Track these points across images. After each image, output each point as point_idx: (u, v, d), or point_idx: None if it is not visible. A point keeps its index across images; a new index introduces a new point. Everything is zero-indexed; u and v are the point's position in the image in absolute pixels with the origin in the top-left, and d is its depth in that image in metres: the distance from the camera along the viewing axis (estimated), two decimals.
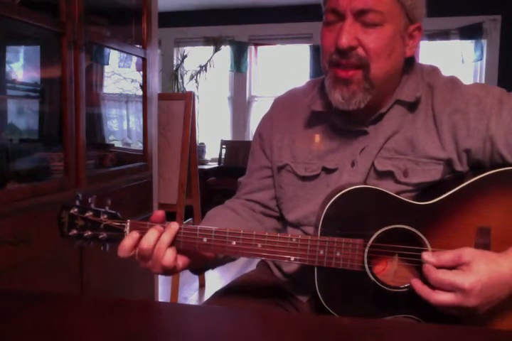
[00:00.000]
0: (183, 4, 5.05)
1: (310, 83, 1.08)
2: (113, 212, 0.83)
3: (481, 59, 4.65)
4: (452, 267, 0.77)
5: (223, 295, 0.99)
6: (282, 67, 5.33)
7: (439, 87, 0.93)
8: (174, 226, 0.81)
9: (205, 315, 0.74)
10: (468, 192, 0.85)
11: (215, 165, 5.20)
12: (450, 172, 0.92)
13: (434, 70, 0.97)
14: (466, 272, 0.75)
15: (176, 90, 5.05)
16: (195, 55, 5.33)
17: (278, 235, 0.82)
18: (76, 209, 0.83)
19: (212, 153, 5.34)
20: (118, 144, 2.64)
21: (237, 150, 5.08)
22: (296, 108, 1.04)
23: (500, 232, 0.83)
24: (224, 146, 5.22)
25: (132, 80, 2.48)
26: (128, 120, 2.69)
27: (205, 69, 5.06)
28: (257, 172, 1.08)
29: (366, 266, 0.82)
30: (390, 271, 0.86)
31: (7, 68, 1.91)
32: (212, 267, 0.96)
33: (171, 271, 0.83)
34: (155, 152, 2.34)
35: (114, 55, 2.41)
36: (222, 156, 5.19)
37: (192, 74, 5.11)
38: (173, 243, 0.81)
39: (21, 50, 2.05)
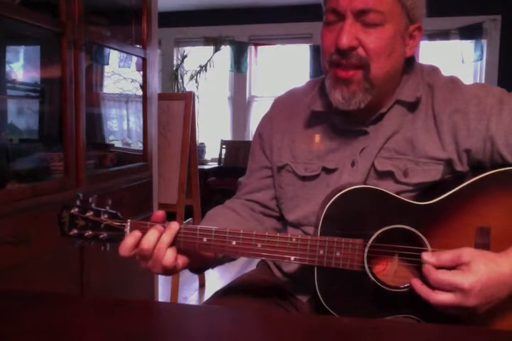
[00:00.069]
0: (183, 4, 5.05)
1: (310, 83, 1.08)
2: (113, 211, 0.83)
3: (481, 59, 4.65)
4: (452, 267, 0.77)
5: (223, 295, 0.99)
6: (282, 67, 5.33)
7: (439, 87, 0.93)
8: (174, 226, 0.81)
9: (205, 315, 0.74)
10: (468, 192, 0.85)
11: (215, 165, 5.20)
12: (450, 172, 0.92)
13: (434, 70, 0.97)
14: (466, 272, 0.75)
15: (176, 90, 5.05)
16: (195, 55, 5.33)
17: (278, 235, 0.82)
18: (77, 209, 0.83)
19: (212, 153, 5.34)
20: (118, 144, 2.64)
21: (237, 150, 5.08)
22: (296, 108, 1.04)
23: (500, 232, 0.83)
24: (224, 146, 5.22)
25: (132, 80, 2.48)
26: (128, 120, 2.69)
27: (205, 69, 5.06)
28: (257, 172, 1.08)
29: (366, 266, 0.82)
30: (390, 271, 0.86)
31: (7, 68, 1.91)
32: (212, 267, 0.96)
33: (171, 271, 0.83)
34: (155, 152, 2.34)
35: (114, 55, 2.41)
36: (222, 156, 5.19)
37: (192, 74, 5.11)
38: (174, 243, 0.81)
39: (21, 50, 2.05)
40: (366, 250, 0.82)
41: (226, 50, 5.18)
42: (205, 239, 0.82)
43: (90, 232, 0.83)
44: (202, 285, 3.01)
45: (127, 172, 2.05)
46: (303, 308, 0.98)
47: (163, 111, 2.67)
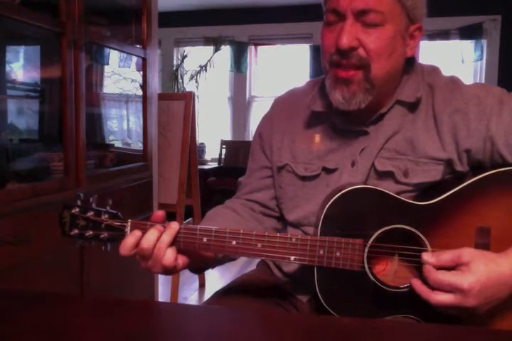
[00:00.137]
0: (183, 4, 5.05)
1: (310, 83, 1.08)
2: (114, 211, 0.84)
3: (481, 59, 4.65)
4: (452, 267, 0.77)
5: (223, 295, 0.99)
6: (282, 67, 5.33)
7: (439, 87, 0.93)
8: (174, 226, 0.81)
9: (205, 315, 0.74)
10: (468, 192, 0.85)
11: (215, 165, 5.20)
12: (450, 172, 0.92)
13: (434, 70, 0.97)
14: (465, 272, 0.75)
15: (176, 90, 5.05)
16: (195, 55, 5.33)
17: (278, 235, 0.82)
18: (77, 209, 0.84)
19: (212, 153, 5.34)
20: (118, 144, 2.64)
21: (237, 150, 5.08)
22: (296, 108, 1.04)
23: (500, 232, 0.83)
24: (224, 146, 5.22)
25: (132, 80, 2.48)
26: (128, 120, 2.69)
27: (205, 69, 5.06)
28: (257, 172, 1.08)
29: (366, 266, 0.82)
30: (390, 271, 0.86)
31: (7, 68, 1.91)
32: (212, 267, 0.96)
33: (171, 271, 0.83)
34: (155, 152, 2.34)
35: (114, 55, 2.41)
36: (222, 156, 5.19)
37: (192, 74, 5.11)
38: (174, 243, 0.81)
39: (21, 50, 2.05)
40: (366, 250, 0.82)
41: (226, 50, 5.18)
42: (205, 239, 0.82)
43: (91, 232, 0.83)
44: (202, 285, 3.01)
45: (127, 172, 2.05)
46: (303, 308, 0.98)
47: (163, 111, 2.67)
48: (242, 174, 1.14)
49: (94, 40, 1.83)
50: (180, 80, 5.11)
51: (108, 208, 0.84)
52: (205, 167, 5.03)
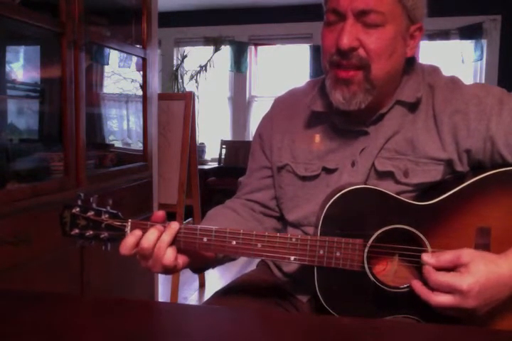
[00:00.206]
0: (183, 4, 5.05)
1: (310, 83, 1.08)
2: (114, 211, 0.84)
3: (481, 59, 4.65)
4: (452, 268, 0.77)
5: (223, 295, 0.99)
6: (282, 67, 5.33)
7: (439, 87, 0.93)
8: (174, 225, 0.81)
9: (205, 315, 0.74)
10: (468, 193, 0.85)
11: (215, 165, 5.20)
12: (450, 172, 0.92)
13: (434, 70, 0.97)
14: (464, 274, 0.75)
15: (176, 90, 5.05)
16: (195, 55, 5.33)
17: (278, 235, 0.82)
18: (78, 209, 0.84)
19: (212, 153, 5.34)
20: (118, 144, 2.64)
21: (237, 150, 5.08)
22: (296, 108, 1.04)
23: (501, 232, 0.83)
24: (224, 146, 5.22)
25: (132, 80, 2.48)
26: (128, 120, 2.69)
27: (205, 69, 5.06)
28: (257, 172, 1.08)
29: (366, 266, 0.82)
30: (390, 271, 0.86)
31: (7, 68, 1.91)
32: (213, 266, 0.96)
33: (172, 270, 0.84)
34: (155, 152, 2.34)
35: (114, 55, 2.41)
36: (222, 156, 5.19)
37: (192, 74, 5.11)
38: (174, 242, 0.81)
39: (21, 50, 2.05)
40: (366, 250, 0.82)
41: (226, 50, 5.18)
42: (205, 239, 0.82)
43: (91, 232, 0.83)
44: (202, 285, 3.01)
45: (127, 172, 2.05)
46: (303, 308, 0.98)
47: (163, 111, 2.67)
48: (242, 174, 1.14)
49: (94, 40, 1.83)
50: (180, 80, 5.11)
51: (108, 208, 0.84)
52: (205, 167, 5.03)
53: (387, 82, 0.90)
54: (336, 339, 0.66)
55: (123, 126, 2.72)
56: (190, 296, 2.85)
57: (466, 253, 0.77)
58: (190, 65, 5.25)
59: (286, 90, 1.12)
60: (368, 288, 0.83)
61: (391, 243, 0.83)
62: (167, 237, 0.80)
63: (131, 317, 0.71)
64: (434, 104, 0.92)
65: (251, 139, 1.71)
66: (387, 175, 0.92)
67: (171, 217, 2.04)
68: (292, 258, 0.82)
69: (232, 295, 0.98)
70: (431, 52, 4.73)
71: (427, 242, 0.82)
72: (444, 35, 4.67)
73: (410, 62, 0.95)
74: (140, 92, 2.26)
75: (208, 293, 2.77)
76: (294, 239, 0.82)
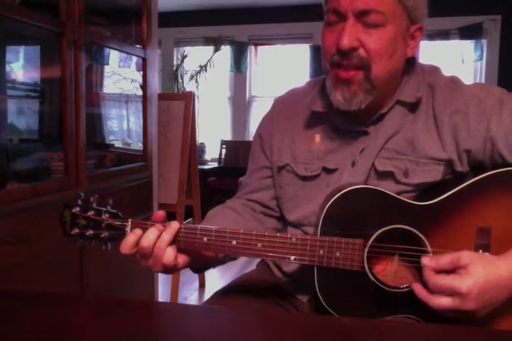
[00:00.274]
0: (183, 4, 5.05)
1: (310, 83, 1.08)
2: (114, 211, 0.84)
3: (481, 59, 4.65)
4: (451, 270, 0.77)
5: (223, 295, 0.99)
6: (282, 67, 5.33)
7: (439, 88, 0.93)
8: (174, 225, 0.81)
9: (205, 315, 0.74)
10: (468, 193, 0.85)
11: (215, 165, 5.20)
12: (451, 172, 0.92)
13: (435, 70, 0.97)
14: (464, 276, 0.75)
15: (176, 90, 5.05)
16: (195, 55, 5.33)
17: (278, 235, 0.82)
18: (78, 209, 0.84)
19: (212, 153, 5.34)
20: (118, 144, 2.64)
21: (237, 150, 5.08)
22: (296, 108, 1.04)
23: (501, 233, 0.83)
24: (224, 146, 5.22)
25: (132, 80, 2.48)
26: (128, 120, 2.69)
27: (205, 69, 5.05)
28: (257, 172, 1.08)
29: (366, 266, 0.82)
30: (390, 271, 0.86)
31: (7, 68, 1.91)
32: (213, 266, 0.96)
33: (172, 270, 0.84)
34: (155, 152, 2.34)
35: (114, 55, 2.41)
36: (222, 156, 5.19)
37: (192, 74, 5.11)
38: (174, 242, 0.81)
39: (21, 50, 2.05)
40: (366, 250, 0.82)
41: (226, 50, 5.18)
42: (205, 239, 0.82)
43: (91, 231, 0.83)
44: (202, 285, 3.01)
45: (127, 172, 2.05)
46: (303, 308, 0.98)
47: (163, 111, 2.67)
48: (242, 174, 1.14)
49: (94, 40, 1.83)
50: (180, 80, 5.11)
51: (108, 208, 0.84)
52: (205, 167, 5.02)
53: (387, 82, 0.90)
54: (335, 339, 0.66)
55: (123, 126, 2.72)
56: (190, 296, 2.85)
57: (466, 255, 0.76)
58: (190, 65, 5.25)
59: (286, 90, 1.12)
60: (368, 288, 0.83)
61: (391, 243, 0.83)
62: (167, 236, 0.80)
63: (131, 317, 0.71)
64: (434, 104, 0.92)
65: (251, 139, 1.71)
66: (387, 175, 0.92)
67: (171, 216, 2.04)
68: (292, 258, 0.82)
69: (232, 295, 0.98)
70: (431, 52, 4.73)
71: (427, 242, 0.82)
72: (444, 35, 4.67)
73: (410, 62, 0.95)
74: (140, 92, 2.26)
75: (208, 293, 2.77)
76: (294, 239, 0.82)
